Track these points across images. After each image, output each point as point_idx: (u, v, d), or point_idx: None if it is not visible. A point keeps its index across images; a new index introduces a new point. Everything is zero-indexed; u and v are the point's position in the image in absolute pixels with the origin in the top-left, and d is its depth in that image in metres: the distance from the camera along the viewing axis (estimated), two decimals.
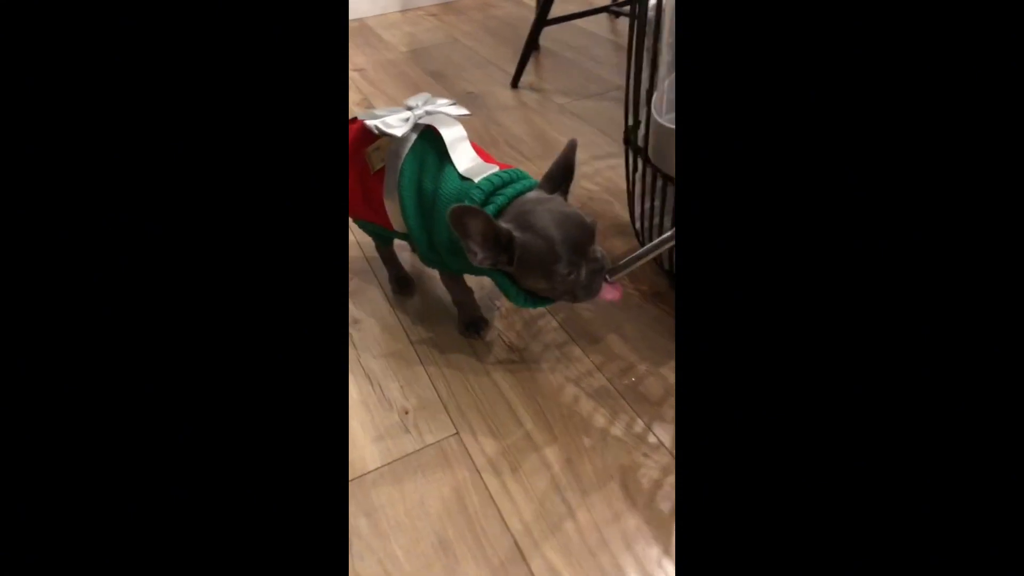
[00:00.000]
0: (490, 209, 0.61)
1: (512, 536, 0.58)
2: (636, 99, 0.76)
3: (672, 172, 0.56)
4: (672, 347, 0.76)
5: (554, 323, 0.81)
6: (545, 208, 0.60)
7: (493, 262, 0.60)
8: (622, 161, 1.15)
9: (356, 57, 1.66)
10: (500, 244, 0.59)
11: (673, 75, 0.56)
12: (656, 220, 0.79)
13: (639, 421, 0.68)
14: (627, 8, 1.56)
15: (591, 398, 0.71)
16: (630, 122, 0.80)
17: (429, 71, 1.56)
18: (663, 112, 0.56)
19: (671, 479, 0.62)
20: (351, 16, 1.94)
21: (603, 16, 1.77)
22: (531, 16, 1.86)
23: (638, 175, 0.81)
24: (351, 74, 1.56)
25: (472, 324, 0.79)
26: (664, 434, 0.66)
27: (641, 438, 0.66)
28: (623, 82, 1.54)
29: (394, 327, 0.82)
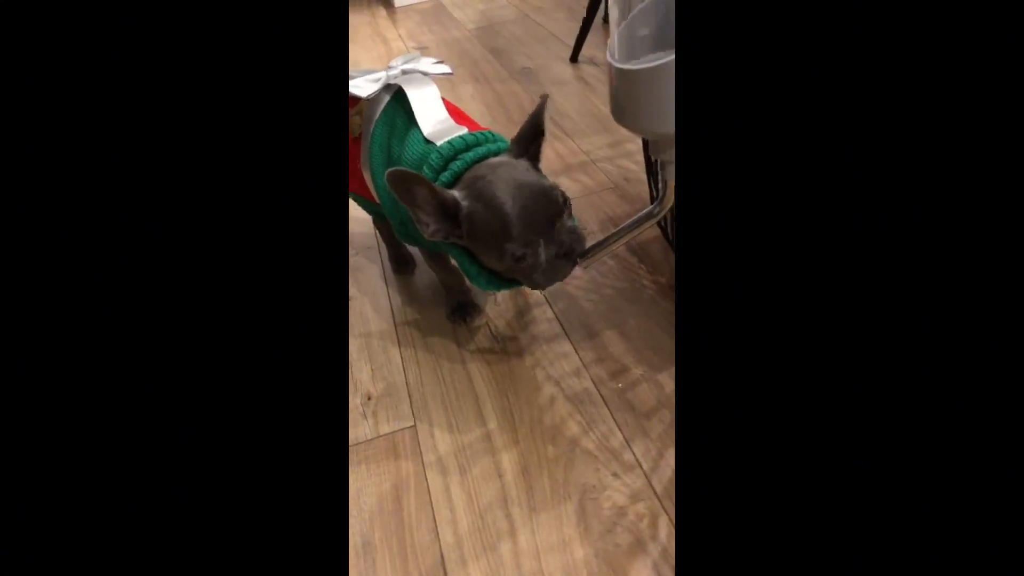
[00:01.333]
0: (445, 176, 0.54)
1: (440, 549, 0.51)
2: None
3: (636, 126, 0.45)
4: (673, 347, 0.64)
5: (549, 313, 0.72)
6: (503, 173, 0.51)
7: (445, 235, 0.53)
8: None
9: (423, 36, 1.64)
10: (449, 214, 0.52)
11: (628, 21, 0.46)
12: None
13: (618, 434, 0.57)
14: None
15: (569, 401, 0.61)
16: None
17: (490, 47, 1.50)
18: (616, 55, 0.45)
19: (638, 508, 0.51)
20: None
21: None
22: None
23: None
24: (412, 51, 1.55)
25: (459, 309, 0.72)
26: (644, 453, 0.55)
27: (616, 454, 0.56)
28: None
29: (383, 307, 0.77)
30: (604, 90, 1.23)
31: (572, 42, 1.44)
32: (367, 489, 0.56)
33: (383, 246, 0.85)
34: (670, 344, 0.65)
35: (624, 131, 1.06)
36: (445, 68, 0.64)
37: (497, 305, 0.75)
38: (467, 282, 0.72)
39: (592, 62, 1.35)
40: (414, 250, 0.84)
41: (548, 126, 1.12)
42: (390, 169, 0.49)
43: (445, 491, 0.55)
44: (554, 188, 0.51)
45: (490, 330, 0.71)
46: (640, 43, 0.46)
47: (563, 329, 0.70)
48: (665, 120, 0.41)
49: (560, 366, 0.65)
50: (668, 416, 0.58)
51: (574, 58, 1.37)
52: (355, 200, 0.77)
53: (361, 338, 0.73)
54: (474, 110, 1.20)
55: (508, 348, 0.69)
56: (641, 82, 0.42)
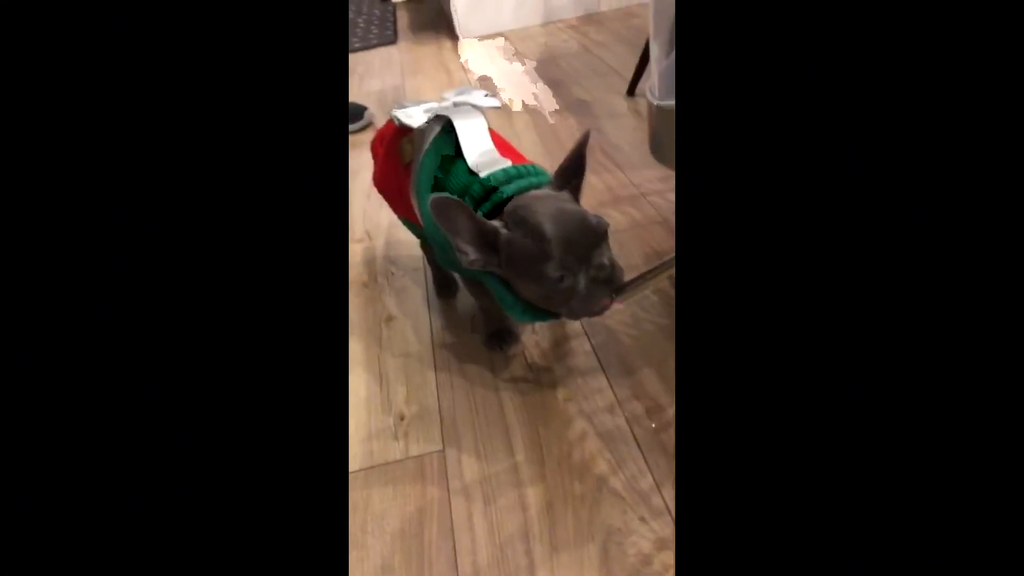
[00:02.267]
0: (487, 206, 0.55)
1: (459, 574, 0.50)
2: None
3: (672, 163, 0.45)
4: None
5: (587, 346, 0.71)
6: (545, 204, 0.52)
7: (484, 263, 0.54)
8: None
9: (485, 67, 1.69)
10: (488, 242, 0.53)
11: (670, 58, 0.45)
12: None
13: (648, 476, 0.55)
14: None
15: (600, 438, 0.60)
16: None
17: (548, 80, 1.53)
18: (656, 93, 0.45)
19: (665, 557, 0.49)
20: (492, 30, 1.99)
21: None
22: None
23: None
24: (473, 82, 1.59)
25: (496, 335, 0.72)
26: (675, 499, 0.53)
27: (644, 497, 0.54)
28: None
29: (423, 329, 0.78)
30: None
31: (629, 75, 1.45)
32: (391, 511, 0.57)
33: (429, 269, 0.87)
34: None
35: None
36: (495, 101, 0.65)
37: (534, 334, 0.74)
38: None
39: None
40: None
41: (600, 158, 1.12)
42: (433, 196, 0.50)
43: (468, 520, 0.55)
44: (595, 216, 0.51)
45: (525, 359, 0.71)
46: None
47: (599, 363, 0.69)
48: None
49: (594, 401, 0.64)
50: None
51: (631, 91, 1.37)
52: (404, 224, 0.79)
53: (400, 358, 0.74)
54: (527, 141, 1.22)
55: (542, 379, 0.68)
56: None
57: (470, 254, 0.53)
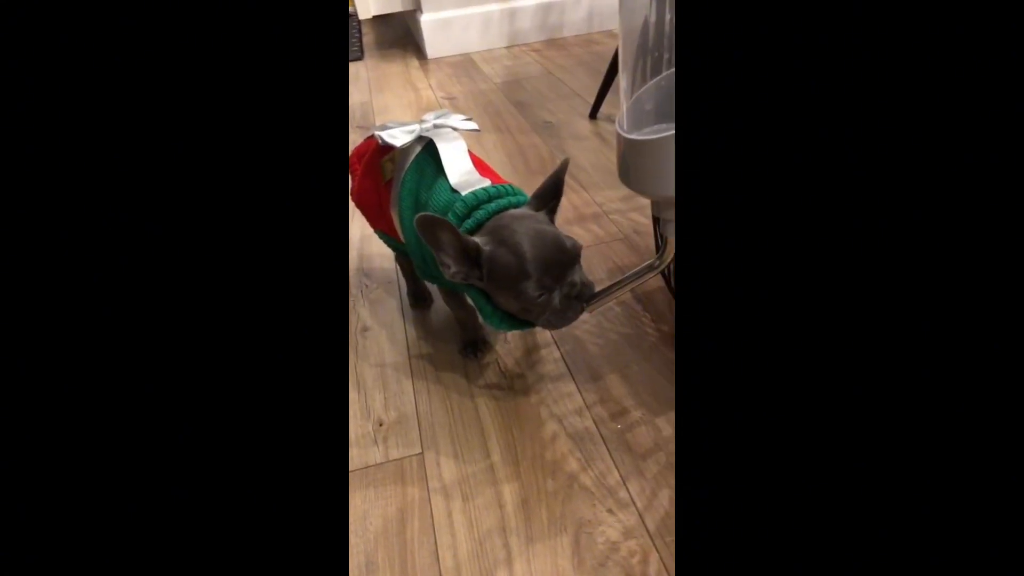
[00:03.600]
0: (469, 223, 0.59)
1: (440, 572, 0.53)
2: None
3: (639, 188, 0.50)
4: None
5: (556, 354, 0.76)
6: (524, 224, 0.56)
7: (465, 276, 0.58)
8: None
9: (452, 87, 1.74)
10: (470, 257, 0.57)
11: (635, 95, 0.51)
12: None
13: (615, 472, 0.60)
14: None
15: (570, 438, 0.64)
16: None
17: (514, 101, 1.59)
18: (624, 125, 0.51)
19: (631, 544, 0.54)
20: (458, 51, 2.05)
21: None
22: None
23: None
24: (441, 100, 1.64)
25: (471, 344, 0.76)
26: (639, 492, 0.58)
27: (612, 491, 0.58)
28: None
29: (399, 339, 0.81)
30: None
31: (589, 99, 1.53)
32: (373, 511, 0.59)
33: (403, 281, 0.90)
34: (670, 390, 0.69)
35: None
36: (473, 125, 0.70)
37: (507, 343, 0.79)
38: (479, 320, 0.77)
39: (610, 119, 1.43)
40: (431, 287, 0.89)
41: (565, 178, 1.18)
42: (420, 214, 0.54)
43: (448, 517, 0.58)
44: (569, 239, 0.56)
45: (499, 367, 0.75)
46: (645, 116, 0.51)
47: (568, 370, 0.73)
48: (666, 184, 0.46)
49: (564, 405, 0.69)
50: (664, 458, 0.61)
51: (593, 115, 1.44)
52: (381, 237, 0.82)
53: (377, 367, 0.77)
54: (496, 159, 1.27)
55: (515, 385, 0.72)
56: (645, 151, 0.47)
57: (452, 267, 0.57)
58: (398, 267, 0.88)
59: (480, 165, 0.67)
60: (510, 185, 0.63)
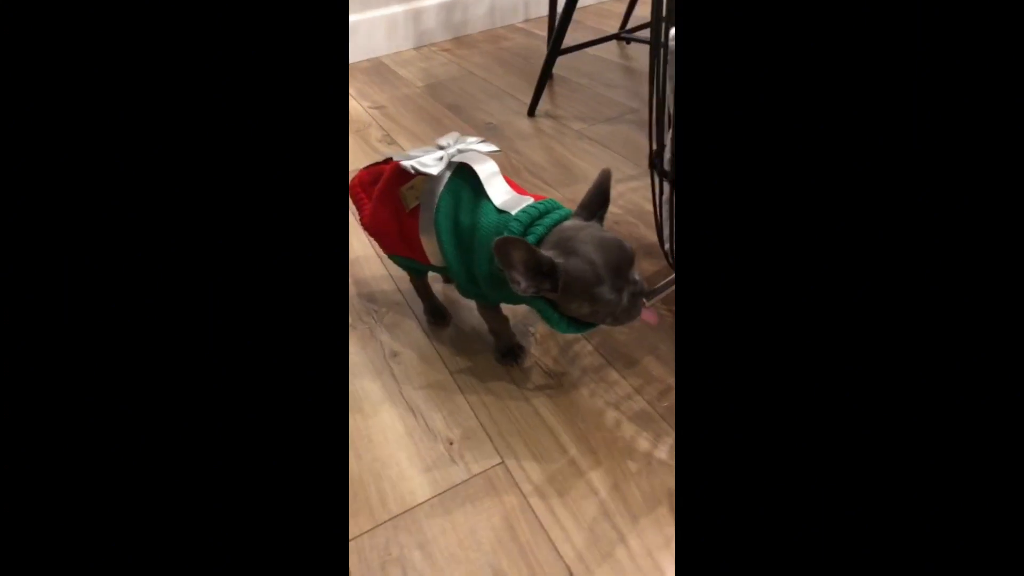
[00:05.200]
0: (530, 239, 0.63)
1: (566, 564, 0.58)
2: (660, 124, 0.78)
3: None
4: None
5: (589, 347, 0.82)
6: (586, 234, 0.61)
7: (536, 290, 0.62)
8: (643, 183, 1.17)
9: (376, 95, 1.71)
10: (542, 272, 0.61)
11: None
12: None
13: None
14: (639, 34, 1.59)
15: (632, 422, 0.71)
16: (654, 146, 0.82)
17: (447, 104, 1.60)
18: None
19: None
20: (367, 56, 2.00)
21: (613, 42, 1.81)
22: (540, 45, 1.91)
23: (664, 198, 0.83)
24: (372, 111, 1.61)
25: (510, 352, 0.80)
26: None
27: None
28: (637, 105, 1.57)
29: (432, 358, 0.83)
30: (566, 141, 1.37)
31: (521, 97, 1.58)
32: (479, 525, 0.62)
33: (414, 302, 0.91)
34: None
35: None
36: (494, 147, 0.73)
37: (539, 344, 0.83)
38: (510, 327, 0.81)
39: (548, 116, 1.49)
40: (444, 301, 0.91)
41: (529, 177, 1.24)
42: (498, 238, 0.57)
43: (551, 514, 0.63)
44: (626, 242, 0.62)
45: (541, 368, 0.80)
46: None
47: (606, 360, 0.80)
48: None
49: (614, 392, 0.75)
50: None
51: (531, 112, 1.50)
52: (397, 262, 0.83)
53: (422, 389, 0.78)
54: None
55: (563, 382, 0.77)
56: None
57: (523, 283, 0.61)
58: (413, 288, 0.89)
59: (511, 183, 0.71)
60: (551, 200, 0.67)
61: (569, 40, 1.53)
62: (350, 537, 0.62)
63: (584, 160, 1.28)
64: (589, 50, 1.74)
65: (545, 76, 1.46)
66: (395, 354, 0.84)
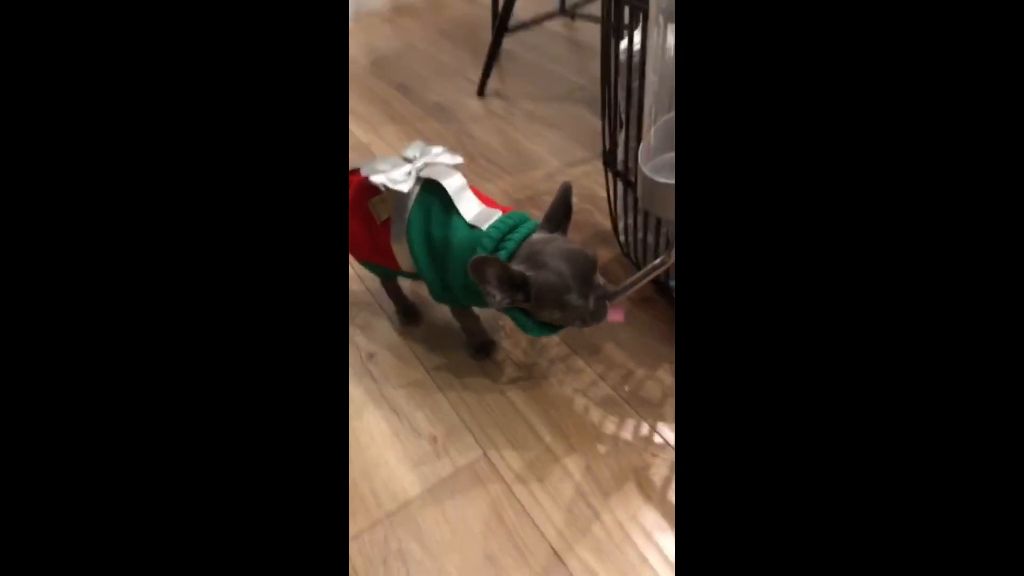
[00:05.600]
0: (502, 254, 0.67)
1: (548, 543, 0.66)
2: (613, 123, 0.82)
3: (665, 216, 0.63)
4: (664, 350, 0.85)
5: (555, 338, 0.88)
6: (553, 247, 0.66)
7: (511, 301, 0.67)
8: (595, 167, 1.22)
9: None
10: (515, 285, 0.66)
11: (660, 122, 0.63)
12: (640, 235, 0.86)
13: (644, 424, 0.76)
14: (587, 11, 1.60)
15: (599, 407, 0.79)
16: (607, 146, 0.86)
17: (394, 84, 1.58)
18: (649, 160, 0.63)
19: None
20: None
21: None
22: (484, 15, 1.88)
23: (619, 196, 0.88)
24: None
25: (482, 347, 0.85)
26: (668, 433, 0.75)
27: (648, 440, 0.74)
28: (585, 82, 1.59)
29: (408, 357, 0.87)
30: (517, 123, 1.39)
31: (468, 74, 1.58)
32: (469, 514, 0.69)
33: (385, 303, 0.94)
34: (656, 346, 0.85)
35: (557, 164, 1.24)
36: (459, 158, 0.76)
37: (508, 338, 0.89)
38: (481, 324, 0.86)
39: (497, 95, 1.50)
40: (414, 299, 0.94)
41: (484, 164, 1.26)
42: (473, 258, 0.61)
43: (532, 498, 0.70)
44: (589, 251, 0.67)
45: (513, 361, 0.86)
46: (654, 151, 0.63)
47: (571, 349, 0.86)
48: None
49: (581, 380, 0.82)
50: (674, 402, 0.78)
51: (481, 92, 1.50)
52: (369, 268, 0.85)
53: (402, 388, 0.83)
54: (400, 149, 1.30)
55: (533, 373, 0.84)
56: (660, 188, 0.60)
57: (498, 296, 0.65)
58: (384, 289, 0.92)
59: (477, 193, 0.74)
60: (517, 212, 0.71)
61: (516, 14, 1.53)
62: (351, 536, 0.67)
63: (536, 144, 1.31)
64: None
65: (493, 56, 1.46)
66: (372, 355, 0.88)
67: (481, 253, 0.68)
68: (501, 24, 1.45)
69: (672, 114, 0.61)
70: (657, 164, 0.62)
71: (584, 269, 0.66)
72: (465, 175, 0.74)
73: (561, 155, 1.26)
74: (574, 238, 0.73)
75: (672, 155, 0.62)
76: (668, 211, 0.62)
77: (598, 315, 0.68)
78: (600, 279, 0.69)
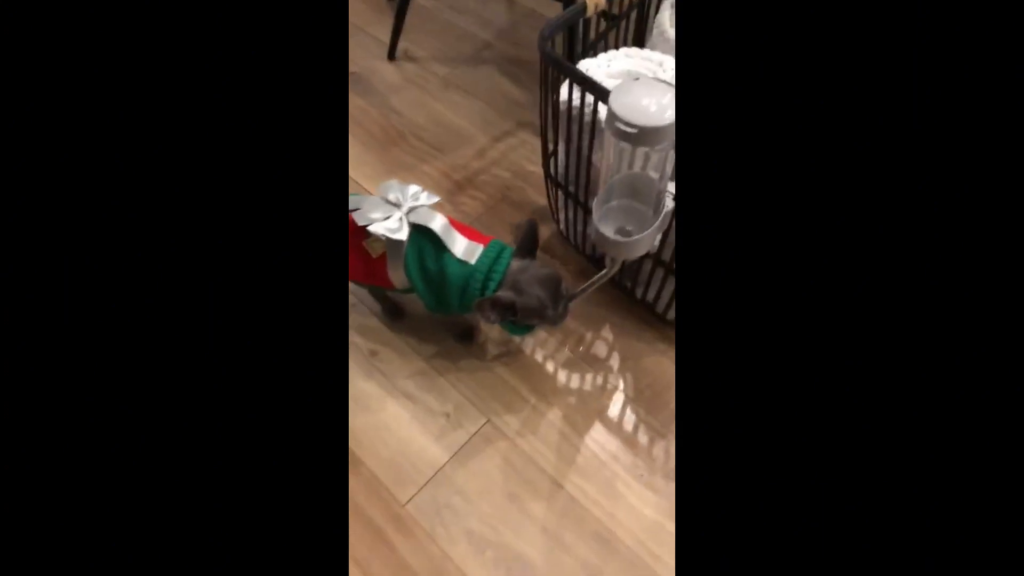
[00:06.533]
0: (492, 286, 0.86)
1: (549, 476, 0.94)
2: (547, 133, 0.99)
3: (619, 259, 0.84)
4: (604, 313, 1.10)
5: None
6: (530, 275, 0.86)
7: (502, 320, 0.87)
8: (521, 140, 1.37)
9: None
10: (506, 308, 0.86)
11: (608, 184, 0.81)
12: (580, 228, 1.07)
13: (599, 377, 1.04)
14: None
15: (564, 368, 1.04)
16: (545, 154, 1.03)
17: None
18: (600, 220, 0.82)
19: (628, 409, 1.00)
20: None
21: None
22: None
23: (558, 197, 1.07)
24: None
25: (465, 333, 1.06)
26: (615, 380, 1.03)
27: (602, 388, 1.02)
28: (490, 37, 1.66)
29: (405, 350, 1.06)
30: (434, 91, 1.46)
31: (374, 32, 1.58)
32: (488, 468, 0.94)
33: (368, 302, 1.10)
34: (595, 309, 1.11)
35: (485, 139, 1.37)
36: (435, 197, 0.90)
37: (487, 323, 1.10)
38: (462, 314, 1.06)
39: (408, 58, 1.54)
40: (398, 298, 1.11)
41: (415, 143, 1.36)
42: (478, 300, 0.80)
43: (531, 446, 0.96)
44: (555, 272, 0.88)
45: (492, 340, 1.08)
46: (607, 207, 0.82)
47: None
48: (632, 252, 0.80)
49: (547, 347, 1.07)
50: (618, 356, 1.06)
51: (391, 55, 1.52)
52: (358, 284, 1.00)
53: (410, 379, 1.03)
54: None
55: (510, 348, 1.07)
56: (613, 242, 0.80)
57: (493, 318, 0.86)
58: (368, 292, 1.07)
59: (457, 225, 0.90)
60: (496, 241, 0.89)
61: None
62: (407, 501, 0.91)
63: (459, 116, 1.41)
64: None
65: (401, 18, 1.47)
66: (374, 353, 1.06)
67: (475, 286, 0.86)
68: None
69: (621, 174, 0.80)
70: (604, 213, 0.81)
71: (555, 290, 0.87)
72: (443, 210, 0.89)
73: (486, 128, 1.38)
74: (518, 221, 0.91)
75: (617, 203, 0.82)
76: (622, 256, 0.83)
77: (564, 317, 0.92)
78: (565, 289, 0.91)
